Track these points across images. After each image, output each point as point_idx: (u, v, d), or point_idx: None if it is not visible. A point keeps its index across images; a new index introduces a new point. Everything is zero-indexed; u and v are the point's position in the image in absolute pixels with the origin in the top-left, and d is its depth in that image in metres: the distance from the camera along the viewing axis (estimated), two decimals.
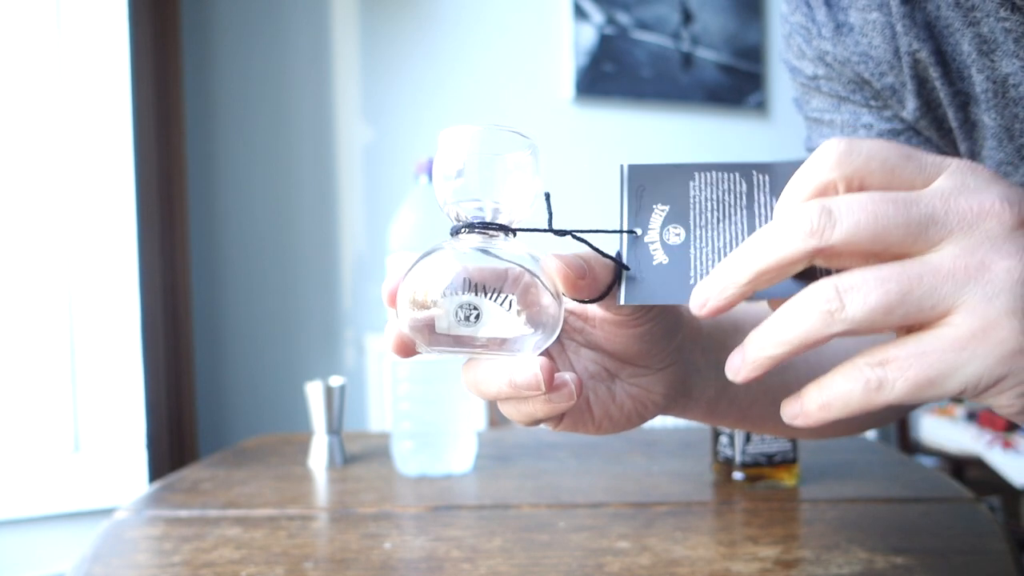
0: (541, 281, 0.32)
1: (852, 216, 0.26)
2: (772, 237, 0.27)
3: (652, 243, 0.34)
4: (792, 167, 0.31)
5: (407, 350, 0.35)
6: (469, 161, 0.33)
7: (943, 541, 0.55)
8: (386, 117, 1.94)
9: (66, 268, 1.55)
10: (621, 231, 0.34)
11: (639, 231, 0.34)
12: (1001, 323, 0.25)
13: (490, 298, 0.31)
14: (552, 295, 0.32)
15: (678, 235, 0.33)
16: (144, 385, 1.57)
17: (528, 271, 0.32)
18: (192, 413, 1.65)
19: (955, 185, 0.27)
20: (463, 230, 0.33)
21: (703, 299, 0.29)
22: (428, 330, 0.32)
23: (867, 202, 0.26)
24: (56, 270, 1.54)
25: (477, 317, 0.31)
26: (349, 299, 1.92)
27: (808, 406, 0.28)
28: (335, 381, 0.82)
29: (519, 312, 0.31)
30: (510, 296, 0.31)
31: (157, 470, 1.56)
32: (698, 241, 0.33)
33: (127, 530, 0.61)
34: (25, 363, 1.51)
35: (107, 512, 0.70)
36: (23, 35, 1.51)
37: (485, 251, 0.33)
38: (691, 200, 0.33)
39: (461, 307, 0.31)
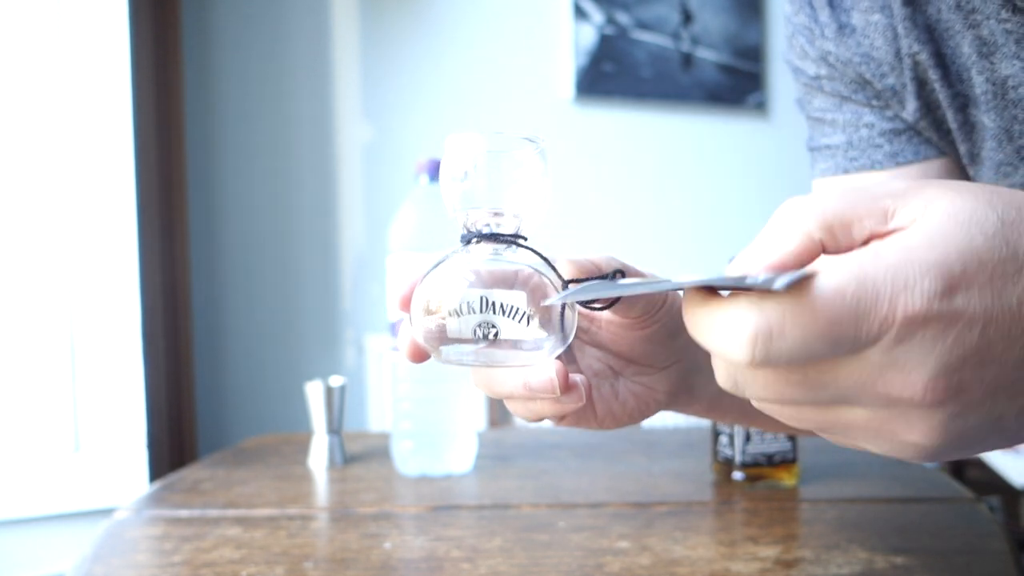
0: (554, 287, 0.32)
1: (758, 391, 0.26)
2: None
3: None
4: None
5: (421, 356, 0.35)
6: (477, 167, 0.32)
7: (943, 541, 0.55)
8: (386, 117, 1.94)
9: (66, 269, 1.55)
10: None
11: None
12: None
13: (507, 316, 0.31)
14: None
15: None
16: (144, 385, 1.57)
17: (540, 274, 0.32)
18: (192, 413, 1.65)
19: (884, 362, 0.25)
20: (474, 240, 0.33)
21: None
22: (441, 342, 0.32)
23: (773, 384, 0.26)
24: (56, 270, 1.54)
25: (495, 335, 0.31)
26: (349, 299, 1.92)
27: None
28: (335, 381, 0.82)
29: (534, 322, 0.31)
30: (526, 312, 0.31)
31: (157, 470, 1.56)
32: None
33: (127, 530, 0.61)
34: (25, 363, 1.51)
35: (107, 512, 0.70)
36: (23, 35, 1.51)
37: (497, 263, 0.32)
38: None
39: (479, 326, 0.31)
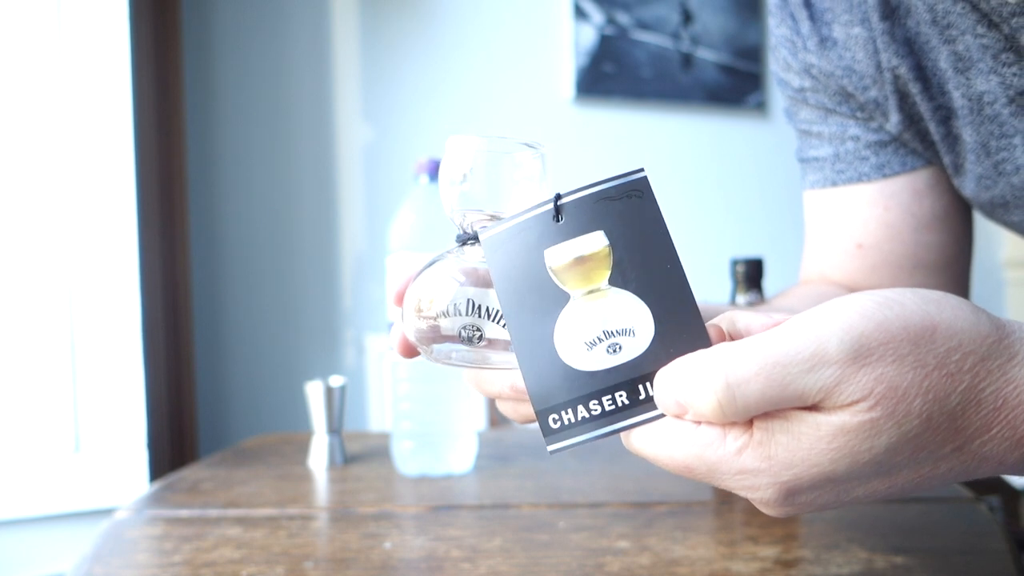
0: None
1: (657, 460, 0.30)
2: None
3: None
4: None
5: (412, 353, 0.35)
6: (476, 169, 0.32)
7: (943, 541, 0.55)
8: (386, 117, 1.94)
9: (66, 268, 1.55)
10: None
11: None
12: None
13: (493, 320, 0.31)
14: None
15: None
16: (144, 385, 1.57)
17: None
18: (192, 413, 1.65)
19: (754, 467, 0.29)
20: (469, 242, 0.33)
21: None
22: (431, 342, 0.32)
23: (673, 460, 0.30)
24: (56, 270, 1.54)
25: (480, 338, 0.31)
26: (349, 299, 1.92)
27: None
28: (335, 381, 0.82)
29: None
30: None
31: (157, 470, 1.56)
32: None
33: (127, 530, 0.61)
34: (25, 363, 1.51)
35: (107, 512, 0.70)
36: (23, 35, 1.51)
37: None
38: None
39: (465, 328, 0.31)
